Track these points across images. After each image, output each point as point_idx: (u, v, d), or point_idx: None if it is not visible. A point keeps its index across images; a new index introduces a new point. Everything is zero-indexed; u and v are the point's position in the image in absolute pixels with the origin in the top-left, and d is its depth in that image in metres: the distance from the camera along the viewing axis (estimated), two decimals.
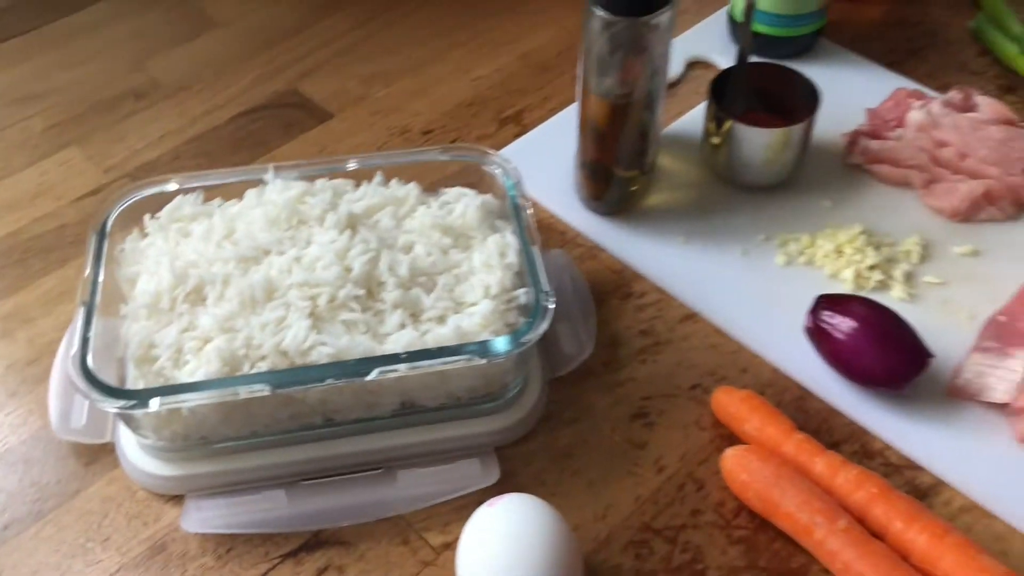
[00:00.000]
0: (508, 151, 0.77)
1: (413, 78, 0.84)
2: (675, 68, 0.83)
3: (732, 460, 0.55)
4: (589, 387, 0.62)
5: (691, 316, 0.66)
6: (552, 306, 0.54)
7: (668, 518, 0.56)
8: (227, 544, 0.54)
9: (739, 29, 0.70)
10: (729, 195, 0.73)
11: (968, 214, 0.69)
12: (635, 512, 0.56)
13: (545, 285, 0.55)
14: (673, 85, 0.83)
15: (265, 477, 0.56)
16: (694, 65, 0.84)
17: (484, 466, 0.56)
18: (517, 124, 0.80)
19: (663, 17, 0.60)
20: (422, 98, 0.82)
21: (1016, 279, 0.65)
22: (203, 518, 0.54)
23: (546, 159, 0.74)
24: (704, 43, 0.86)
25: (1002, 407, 0.59)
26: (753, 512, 0.55)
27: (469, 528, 0.49)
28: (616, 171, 0.68)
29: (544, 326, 0.54)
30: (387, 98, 0.82)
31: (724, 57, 0.83)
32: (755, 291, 0.66)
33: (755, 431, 0.57)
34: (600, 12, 0.60)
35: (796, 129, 0.68)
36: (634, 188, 0.71)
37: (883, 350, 0.58)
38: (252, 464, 0.55)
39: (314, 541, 0.55)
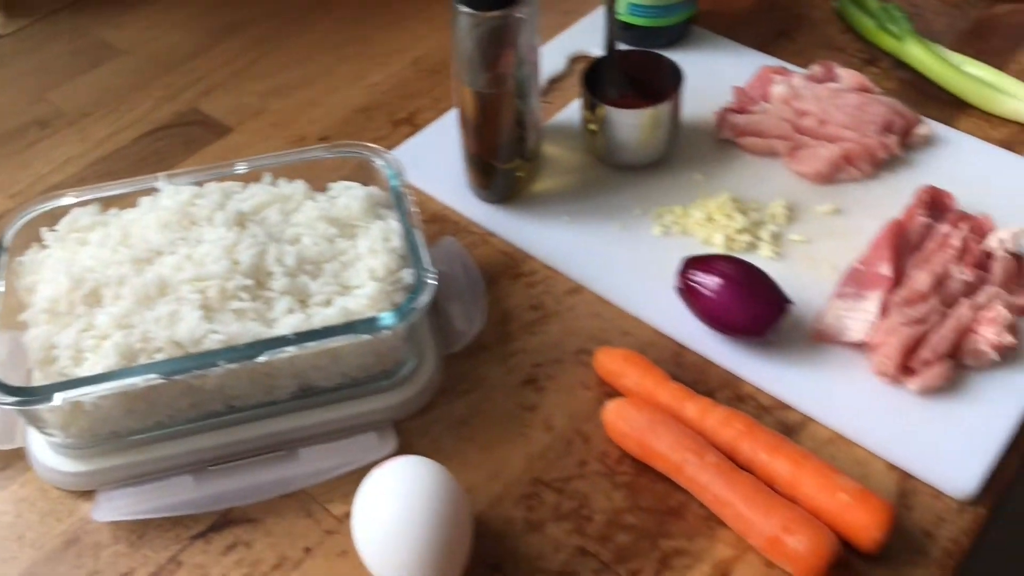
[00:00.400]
0: (402, 150, 0.81)
1: (309, 90, 0.88)
2: (558, 63, 0.88)
3: (612, 412, 0.59)
4: (483, 360, 0.66)
5: (577, 289, 0.70)
6: (433, 281, 0.58)
7: (557, 471, 0.59)
8: (139, 530, 0.57)
9: (606, 19, 0.74)
10: (609, 176, 0.77)
11: (830, 176, 0.75)
12: (526, 469, 0.60)
13: (427, 263, 0.59)
14: (557, 80, 0.87)
15: (173, 466, 0.58)
16: (577, 59, 0.89)
17: (381, 438, 0.60)
18: (411, 125, 0.84)
19: (525, 10, 0.65)
20: (318, 108, 0.86)
21: (873, 231, 0.70)
22: (113, 507, 0.57)
23: (438, 155, 0.79)
24: (586, 38, 0.91)
25: (860, 345, 0.63)
26: (634, 459, 0.59)
27: (361, 492, 0.53)
28: (498, 162, 0.73)
29: (426, 299, 0.57)
30: (284, 110, 0.86)
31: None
32: (634, 261, 0.71)
33: (633, 384, 0.61)
34: (464, 9, 0.64)
35: (663, 108, 0.73)
36: (520, 175, 0.75)
37: (745, 301, 0.62)
38: (160, 454, 0.58)
39: (222, 521, 0.58)
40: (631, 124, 0.74)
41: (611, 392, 0.63)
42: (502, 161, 0.73)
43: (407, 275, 0.60)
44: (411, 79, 0.88)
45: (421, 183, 0.78)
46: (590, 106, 0.75)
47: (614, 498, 0.58)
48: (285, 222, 0.63)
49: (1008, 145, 0.79)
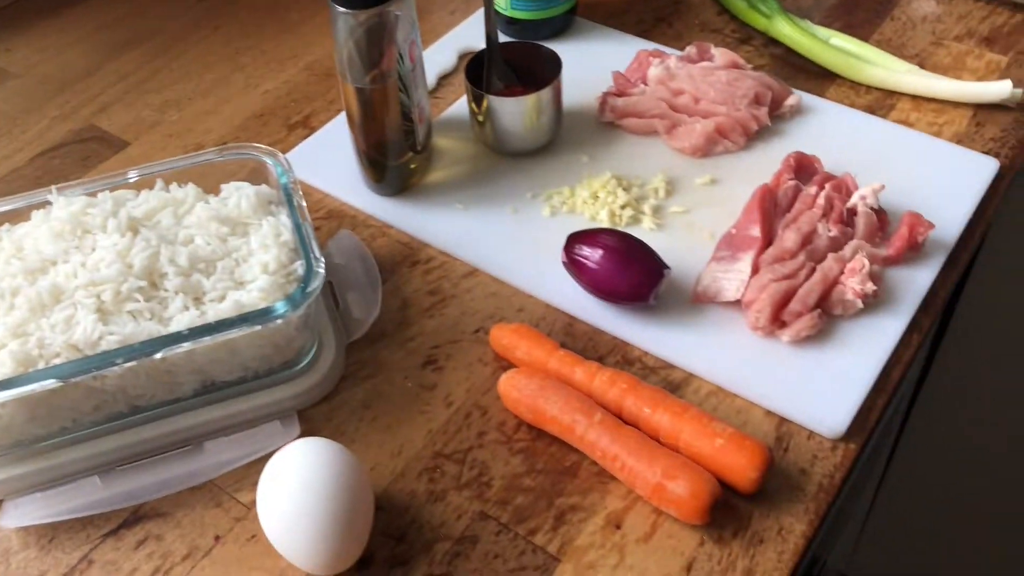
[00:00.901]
0: (297, 151, 0.83)
1: (204, 100, 0.89)
2: (448, 59, 0.91)
3: (505, 382, 0.62)
4: (383, 346, 0.68)
5: (472, 272, 0.73)
6: (321, 270, 0.60)
7: (457, 443, 0.62)
8: (48, 534, 0.58)
9: (485, 13, 0.77)
10: (499, 164, 0.80)
11: (706, 149, 0.79)
12: (427, 444, 0.62)
13: (316, 254, 0.61)
14: (447, 75, 0.90)
15: (80, 469, 0.60)
16: (466, 55, 0.92)
17: (285, 426, 0.62)
18: (306, 127, 0.86)
19: (401, 6, 0.67)
20: (214, 117, 0.87)
21: (747, 198, 0.74)
22: (21, 513, 0.58)
23: (333, 154, 0.81)
24: (473, 34, 0.94)
25: (736, 304, 0.67)
26: (530, 425, 0.62)
27: (263, 477, 0.55)
28: (388, 157, 0.75)
29: (316, 286, 0.60)
30: (180, 121, 0.87)
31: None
32: (526, 242, 0.74)
33: (525, 355, 0.64)
34: (341, 9, 0.67)
35: (544, 94, 0.77)
36: (413, 167, 0.78)
37: (626, 269, 0.66)
38: (66, 459, 0.59)
39: (132, 518, 0.59)
40: (514, 111, 0.77)
41: (507, 366, 0.66)
42: (392, 156, 0.75)
43: (299, 267, 0.63)
44: (304, 84, 0.91)
45: (318, 182, 0.80)
46: (475, 97, 0.78)
47: (512, 463, 0.61)
48: (178, 225, 0.64)
49: (872, 110, 0.84)
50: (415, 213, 0.77)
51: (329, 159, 0.81)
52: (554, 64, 0.79)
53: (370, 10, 0.67)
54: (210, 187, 0.69)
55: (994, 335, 1.10)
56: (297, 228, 0.63)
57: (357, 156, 0.76)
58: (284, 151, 0.83)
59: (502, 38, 0.91)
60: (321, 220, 0.77)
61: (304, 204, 0.65)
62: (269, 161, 0.68)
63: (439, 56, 0.91)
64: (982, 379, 1.15)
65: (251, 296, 0.60)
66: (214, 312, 0.59)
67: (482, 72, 0.80)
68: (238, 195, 0.66)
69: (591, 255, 0.67)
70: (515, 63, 0.81)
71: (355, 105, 0.72)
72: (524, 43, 0.81)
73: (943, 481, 1.29)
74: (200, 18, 1.00)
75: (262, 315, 0.58)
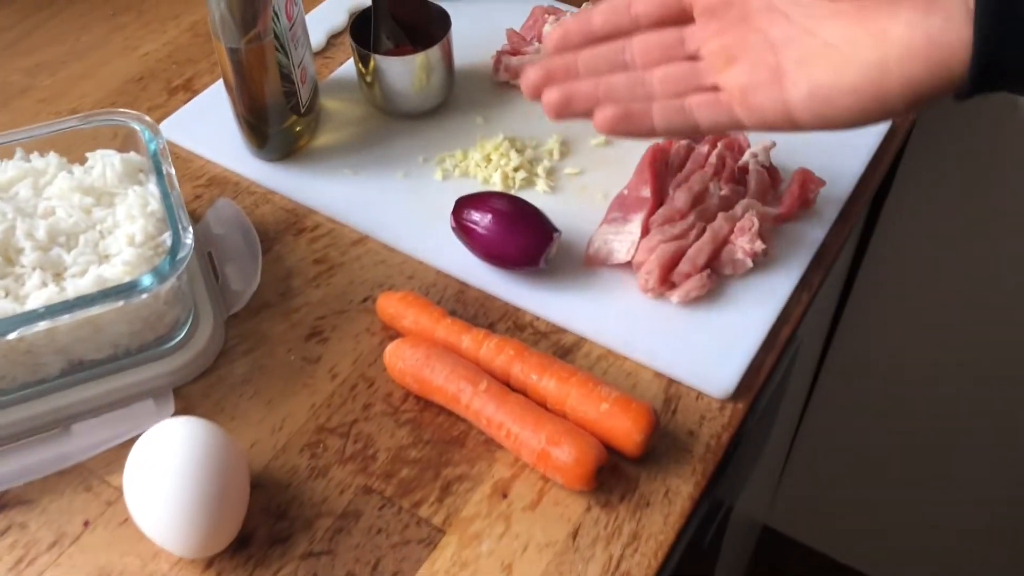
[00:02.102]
0: (178, 116, 0.79)
1: (80, 63, 0.84)
2: (338, 17, 0.88)
3: (390, 353, 0.61)
4: (265, 318, 0.66)
5: (362, 239, 0.70)
6: (189, 241, 0.58)
7: (341, 416, 0.60)
8: None
9: None
10: (390, 126, 0.78)
11: None
12: (310, 418, 0.60)
13: (184, 224, 0.58)
14: (338, 35, 0.87)
15: None
16: (356, 13, 0.88)
17: (159, 404, 0.59)
18: (188, 91, 0.82)
19: None
20: (89, 80, 0.83)
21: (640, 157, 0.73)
22: None
23: (215, 118, 0.77)
24: None
25: (628, 266, 0.67)
26: (417, 396, 0.61)
27: (129, 459, 0.52)
28: (269, 121, 0.72)
29: (183, 256, 0.57)
30: (53, 86, 0.82)
31: None
32: (417, 207, 0.72)
33: (411, 324, 0.62)
34: None
35: (432, 52, 0.74)
36: (297, 131, 0.75)
37: (514, 234, 0.64)
38: None
39: None
40: (402, 71, 0.74)
41: (395, 335, 0.64)
42: (273, 121, 0.72)
43: (167, 238, 0.59)
44: (187, 45, 0.86)
45: (200, 148, 0.77)
46: (361, 57, 0.75)
47: (398, 435, 0.59)
48: (37, 196, 0.61)
49: None
50: (301, 179, 0.74)
51: (212, 123, 0.77)
52: (443, 22, 0.76)
53: None
54: (76, 156, 0.65)
55: (900, 287, 1.12)
56: (165, 197, 0.60)
57: (237, 121, 0.73)
58: (165, 116, 0.79)
59: None
60: (202, 188, 0.74)
61: (173, 172, 0.62)
62: (137, 127, 0.65)
63: (329, 14, 0.88)
64: (890, 332, 1.17)
65: (115, 270, 0.57)
66: (74, 288, 0.56)
67: (369, 31, 0.77)
68: (103, 164, 0.63)
69: (480, 220, 0.65)
70: (404, 21, 0.78)
71: (230, 68, 0.68)
72: (412, 0, 0.78)
73: (857, 432, 1.32)
74: None
75: (125, 290, 0.55)
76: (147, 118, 0.65)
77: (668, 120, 0.50)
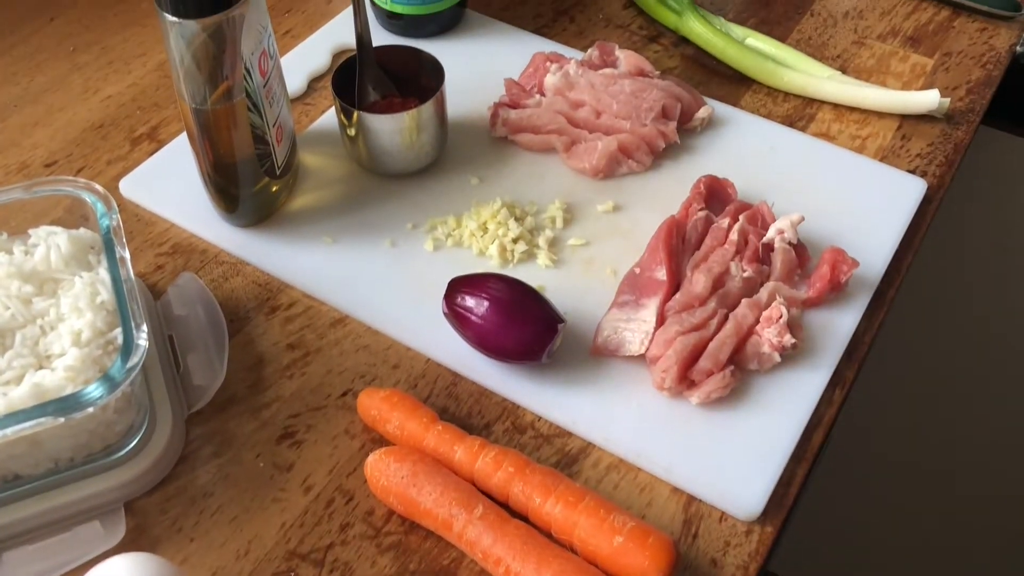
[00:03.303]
0: (141, 171, 0.71)
1: (34, 107, 0.76)
2: (320, 59, 0.80)
3: (372, 465, 0.53)
4: (232, 416, 0.58)
5: (342, 320, 0.63)
6: (144, 342, 0.50)
7: (316, 539, 0.53)
8: None
9: (355, 11, 0.67)
10: (376, 186, 0.70)
11: (608, 170, 0.70)
12: (280, 541, 0.53)
13: (139, 319, 0.51)
14: (320, 78, 0.79)
15: None
16: (341, 54, 0.81)
17: (107, 526, 0.52)
18: (153, 141, 0.74)
19: (243, 8, 0.56)
20: (43, 128, 0.75)
21: (653, 228, 0.65)
22: None
23: (183, 173, 0.69)
24: (351, 29, 0.83)
25: (641, 358, 0.59)
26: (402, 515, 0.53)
27: None
28: (239, 185, 0.64)
29: (135, 362, 0.49)
30: (3, 133, 0.74)
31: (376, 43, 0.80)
32: (405, 282, 0.64)
33: (397, 430, 0.55)
34: (170, 17, 0.56)
35: (424, 109, 0.67)
36: (274, 192, 0.67)
37: (514, 324, 0.57)
38: None
39: None
40: (390, 130, 0.67)
41: (378, 438, 0.57)
42: (245, 183, 0.64)
43: (119, 334, 0.52)
44: (154, 88, 0.78)
45: (163, 208, 0.69)
46: (344, 111, 0.67)
47: (380, 563, 0.52)
48: None
49: (790, 120, 0.76)
50: (276, 247, 0.66)
51: (178, 180, 0.69)
52: (436, 72, 0.69)
53: (206, 18, 0.55)
54: (18, 228, 0.58)
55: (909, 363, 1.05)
56: (117, 286, 0.53)
57: (204, 183, 0.65)
58: (126, 170, 0.72)
59: (380, 37, 0.81)
60: (165, 256, 0.66)
61: (127, 256, 0.54)
62: (88, 199, 0.57)
63: (310, 54, 0.80)
64: (894, 410, 1.10)
65: (55, 377, 0.49)
66: (6, 402, 0.48)
67: (354, 80, 0.70)
68: (47, 244, 0.55)
69: (475, 307, 0.58)
70: (393, 70, 0.71)
71: (195, 128, 0.61)
72: (401, 47, 0.71)
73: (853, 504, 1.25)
74: (31, 6, 0.86)
75: (68, 405, 0.47)
76: (99, 188, 0.57)
77: None
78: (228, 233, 0.67)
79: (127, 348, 0.50)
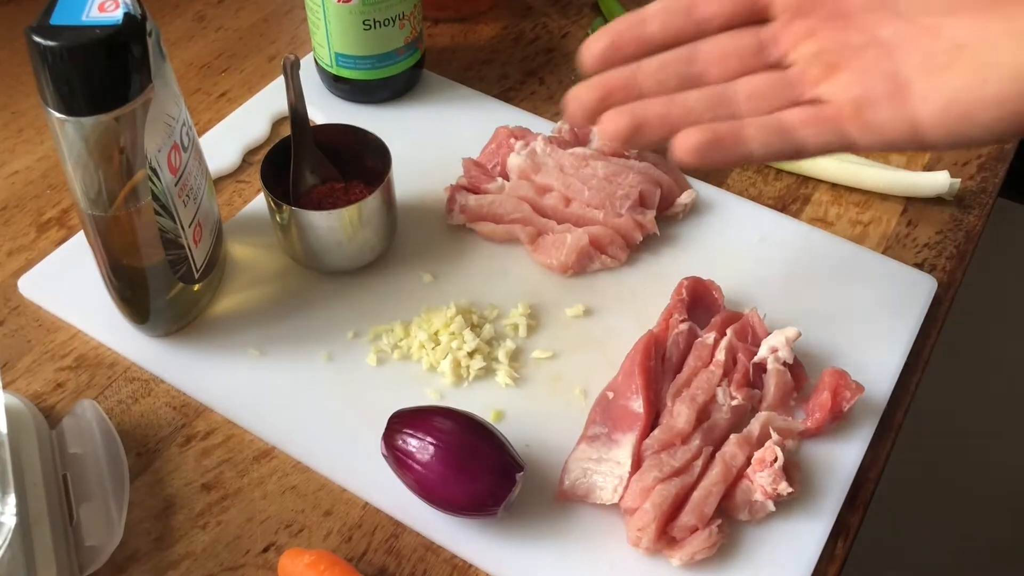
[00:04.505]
0: (45, 265, 0.62)
1: None
2: (258, 127, 0.71)
3: None
4: None
5: (267, 452, 0.54)
6: (10, 520, 0.41)
7: None
8: None
9: (287, 84, 0.58)
10: (314, 284, 0.61)
11: (579, 267, 0.62)
12: None
13: (6, 487, 0.42)
14: (257, 150, 0.70)
15: None
16: (282, 121, 0.72)
17: None
18: (62, 227, 0.65)
19: (137, 106, 0.47)
20: None
21: (629, 337, 0.57)
22: None
23: (92, 271, 0.59)
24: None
25: (615, 506, 0.51)
26: None
27: None
28: (149, 295, 0.55)
29: (0, 546, 0.41)
30: None
31: (320, 111, 0.72)
32: (342, 405, 0.56)
33: None
34: (56, 113, 0.47)
35: (367, 203, 0.58)
36: (194, 293, 0.58)
37: (464, 474, 0.49)
38: None
39: None
40: (328, 226, 0.58)
41: None
42: (156, 292, 0.55)
43: None
44: None
45: (67, 312, 0.60)
46: (274, 206, 0.59)
47: None
48: None
49: (783, 203, 0.68)
50: (195, 360, 0.58)
51: (85, 278, 0.60)
52: (383, 155, 0.60)
53: (98, 116, 0.46)
54: None
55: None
56: None
57: (108, 291, 0.56)
58: (29, 263, 0.63)
59: (323, 102, 0.72)
60: (67, 372, 0.57)
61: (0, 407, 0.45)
62: None
63: (246, 123, 0.71)
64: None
65: None
66: None
67: (288, 161, 0.61)
68: None
69: (418, 452, 0.49)
70: (333, 147, 0.62)
71: (92, 234, 0.52)
72: (342, 127, 0.62)
73: None
74: None
75: None
76: None
77: (766, 143, 0.42)
78: (140, 344, 0.58)
79: None
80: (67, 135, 0.47)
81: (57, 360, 0.58)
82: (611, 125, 0.43)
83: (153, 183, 0.50)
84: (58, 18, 0.45)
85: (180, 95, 0.52)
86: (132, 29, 0.45)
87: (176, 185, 0.52)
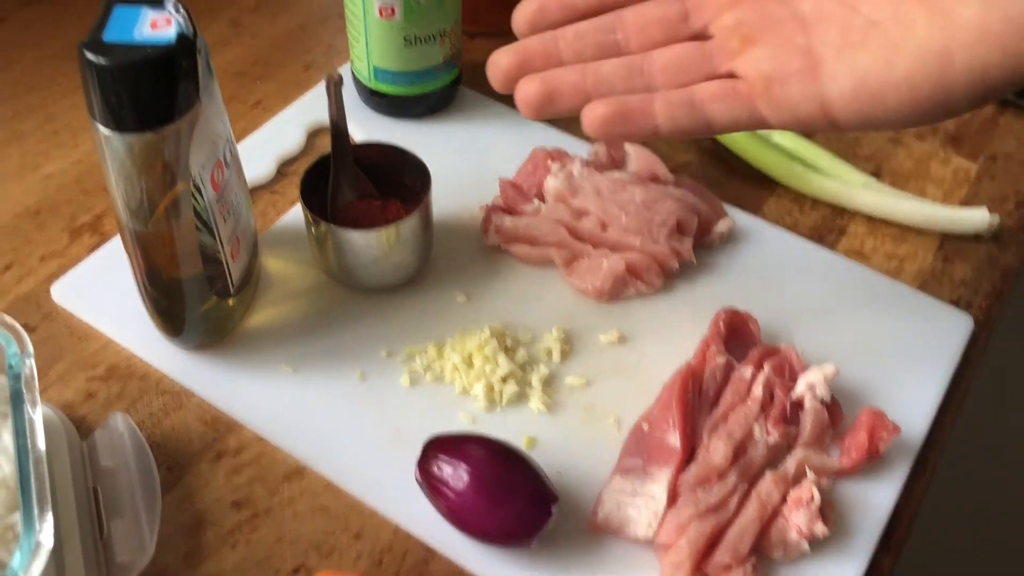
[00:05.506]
0: (78, 272, 0.62)
1: None
2: (294, 137, 0.71)
3: None
4: None
5: (299, 471, 0.54)
6: (48, 540, 0.41)
7: None
8: None
9: (330, 101, 0.58)
10: (348, 300, 0.61)
11: (614, 293, 0.61)
12: None
13: (44, 505, 0.42)
14: (292, 161, 0.70)
15: None
16: (318, 133, 0.72)
17: None
18: (95, 233, 0.65)
19: (183, 124, 0.47)
20: None
21: (663, 366, 0.57)
22: None
23: (125, 278, 0.58)
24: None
25: (649, 540, 0.51)
26: None
27: None
28: (186, 307, 0.55)
29: (37, 567, 0.40)
30: None
31: (356, 123, 0.71)
32: (375, 425, 0.55)
33: None
34: (102, 128, 0.46)
35: (406, 223, 0.58)
36: (230, 306, 0.58)
37: (498, 505, 0.48)
38: None
39: None
40: (364, 245, 0.58)
41: None
42: (192, 305, 0.55)
43: (20, 520, 0.43)
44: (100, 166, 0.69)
45: (99, 320, 0.60)
46: (312, 221, 0.58)
47: None
48: None
49: (819, 233, 0.68)
50: (227, 375, 0.57)
51: (117, 286, 0.59)
52: (422, 175, 0.60)
53: (145, 134, 0.46)
54: None
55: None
56: (22, 458, 0.44)
57: (143, 301, 0.56)
58: (62, 268, 0.62)
59: (360, 115, 0.72)
60: (98, 382, 0.57)
61: (38, 419, 0.45)
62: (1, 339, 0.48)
63: (281, 133, 0.71)
64: None
65: None
66: None
67: (325, 177, 0.61)
68: None
69: (452, 480, 0.49)
70: (372, 163, 0.62)
71: (133, 247, 0.52)
72: (384, 146, 0.62)
73: None
74: None
75: None
76: (13, 324, 0.48)
77: (674, 117, 0.42)
78: (172, 356, 0.58)
79: (27, 547, 0.41)
80: (112, 149, 0.47)
81: (88, 369, 0.58)
82: (524, 91, 0.43)
83: (196, 200, 0.50)
84: (110, 34, 0.45)
85: (224, 111, 0.52)
86: (184, 49, 0.45)
87: (217, 202, 0.52)
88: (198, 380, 0.57)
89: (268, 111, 0.73)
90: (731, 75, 0.42)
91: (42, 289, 0.61)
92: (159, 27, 0.45)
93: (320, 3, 0.83)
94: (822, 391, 0.55)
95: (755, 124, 0.42)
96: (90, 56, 0.44)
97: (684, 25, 0.44)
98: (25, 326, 0.57)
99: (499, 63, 0.45)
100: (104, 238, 0.64)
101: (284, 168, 0.70)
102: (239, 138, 0.71)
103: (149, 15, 0.46)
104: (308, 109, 0.73)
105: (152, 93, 0.45)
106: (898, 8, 0.39)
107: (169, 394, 0.57)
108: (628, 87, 0.43)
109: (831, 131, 0.41)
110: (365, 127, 0.71)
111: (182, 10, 0.46)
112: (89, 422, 0.56)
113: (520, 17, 0.45)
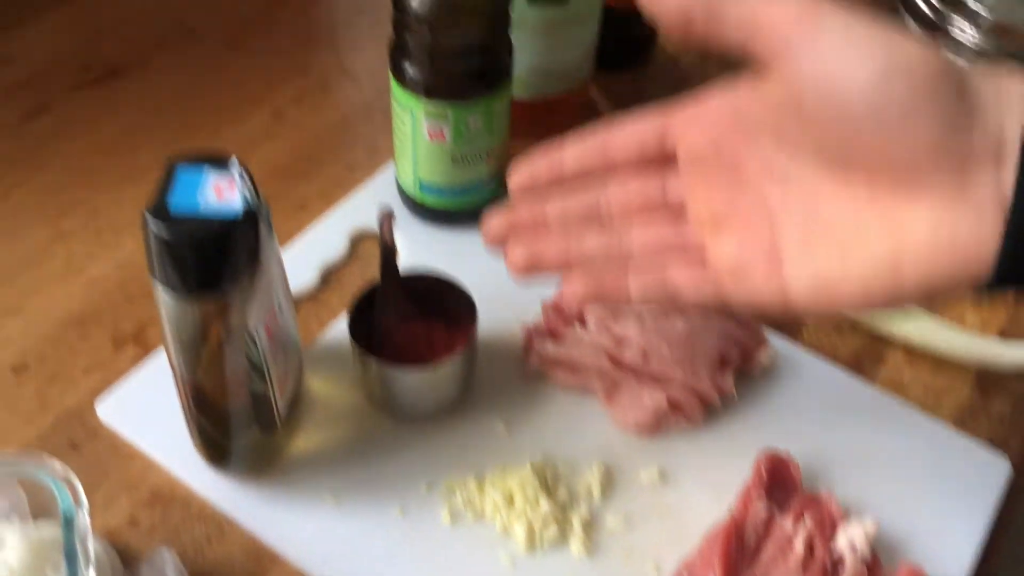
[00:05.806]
0: (122, 389, 0.62)
1: (7, 289, 0.67)
2: (338, 244, 0.71)
3: None
4: None
5: None
6: None
7: None
8: None
9: (381, 235, 0.58)
10: (390, 428, 0.61)
11: (653, 428, 0.62)
12: None
13: None
14: (336, 270, 0.70)
15: None
16: (360, 239, 0.72)
17: None
18: (138, 344, 0.65)
19: (241, 287, 0.47)
20: (15, 317, 0.66)
21: (703, 508, 0.57)
22: None
23: (168, 396, 0.59)
24: (374, 205, 0.74)
25: None
26: None
27: None
28: (232, 437, 0.55)
29: None
30: None
31: (399, 228, 0.71)
32: (414, 565, 0.56)
33: None
34: (164, 290, 0.47)
35: (454, 361, 0.58)
36: (273, 440, 0.58)
37: None
38: None
39: None
40: (411, 382, 0.58)
41: None
42: (238, 435, 0.55)
43: None
44: (143, 267, 0.69)
45: (143, 440, 0.60)
46: (360, 356, 0.59)
47: None
48: None
49: (858, 362, 0.68)
50: (269, 504, 0.58)
51: (160, 404, 0.59)
52: (468, 310, 0.60)
53: (204, 300, 0.47)
54: None
55: None
56: None
57: (188, 428, 0.57)
58: (106, 383, 0.63)
59: (403, 220, 0.72)
60: (142, 507, 0.58)
61: (91, 564, 0.45)
62: (52, 484, 0.48)
63: (324, 240, 0.71)
64: None
65: None
66: None
67: (373, 303, 0.61)
68: None
69: None
70: (419, 291, 0.62)
71: (183, 385, 0.52)
72: (434, 278, 0.62)
73: None
74: (19, 150, 0.76)
75: None
76: (68, 475, 0.48)
77: (646, 291, 0.47)
78: (215, 482, 0.58)
79: None
80: (171, 308, 0.47)
81: (132, 492, 0.58)
82: (512, 256, 0.49)
83: (250, 349, 0.50)
84: (176, 199, 0.45)
85: (280, 254, 0.53)
86: (249, 220, 0.45)
87: (271, 347, 0.52)
88: (240, 508, 0.57)
89: (311, 213, 0.74)
90: (703, 250, 0.47)
91: (86, 403, 0.61)
92: (223, 194, 0.46)
93: (363, 97, 0.83)
94: (863, 548, 0.55)
95: (720, 304, 0.47)
96: (155, 229, 0.44)
97: (662, 198, 0.49)
98: (71, 444, 0.58)
99: (492, 225, 0.50)
100: (146, 350, 0.65)
101: (328, 275, 0.70)
102: (282, 242, 0.71)
103: (213, 179, 0.46)
104: (351, 215, 0.73)
105: (215, 263, 0.45)
106: (856, 214, 0.41)
107: (210, 523, 0.57)
108: (607, 259, 0.48)
109: (788, 316, 0.45)
110: (406, 231, 0.72)
111: (246, 177, 0.46)
112: (133, 549, 0.56)
113: (514, 182, 0.50)
